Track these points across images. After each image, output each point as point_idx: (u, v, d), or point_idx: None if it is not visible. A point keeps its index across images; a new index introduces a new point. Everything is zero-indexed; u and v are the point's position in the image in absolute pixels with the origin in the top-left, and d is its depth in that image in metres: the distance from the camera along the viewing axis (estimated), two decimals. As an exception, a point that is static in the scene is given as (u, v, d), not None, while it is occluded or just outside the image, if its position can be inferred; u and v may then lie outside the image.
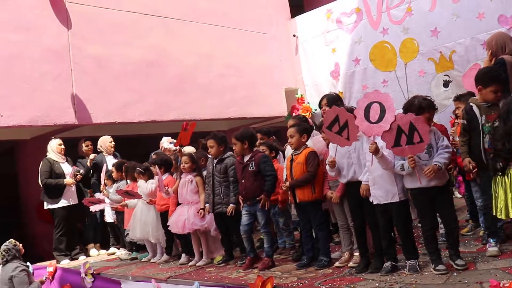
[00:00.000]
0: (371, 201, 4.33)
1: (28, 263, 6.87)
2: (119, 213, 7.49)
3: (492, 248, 4.15)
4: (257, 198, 5.26)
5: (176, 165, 6.70)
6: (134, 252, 7.27)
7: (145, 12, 8.92)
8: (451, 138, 5.11)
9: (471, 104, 4.43)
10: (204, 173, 6.23)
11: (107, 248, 8.16)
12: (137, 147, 9.46)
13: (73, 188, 7.82)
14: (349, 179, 4.56)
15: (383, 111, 4.01)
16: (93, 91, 8.10)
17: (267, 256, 5.23)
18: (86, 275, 6.49)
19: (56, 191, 7.70)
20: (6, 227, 8.63)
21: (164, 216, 6.44)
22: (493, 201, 3.83)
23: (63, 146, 7.92)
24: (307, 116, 10.02)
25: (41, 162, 7.76)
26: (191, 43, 9.43)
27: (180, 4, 9.47)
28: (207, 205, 5.87)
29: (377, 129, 4.03)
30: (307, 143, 5.03)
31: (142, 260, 6.93)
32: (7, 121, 7.27)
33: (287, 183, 5.01)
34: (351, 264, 4.66)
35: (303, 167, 4.87)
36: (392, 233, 4.40)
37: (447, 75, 8.47)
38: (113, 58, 8.44)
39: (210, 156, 6.04)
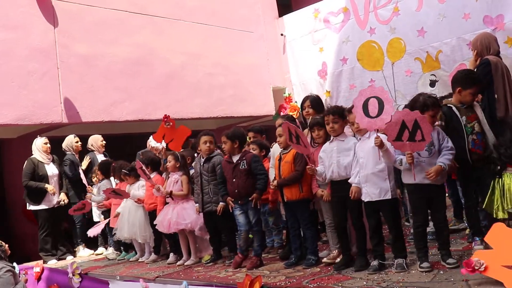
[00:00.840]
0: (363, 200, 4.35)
1: (14, 264, 6.82)
2: (106, 212, 7.47)
3: (478, 247, 4.20)
4: (249, 198, 5.27)
5: (164, 164, 6.69)
6: (123, 252, 7.24)
7: (132, 10, 8.89)
8: None
9: (449, 105, 4.48)
10: (192, 171, 6.24)
11: (95, 248, 8.12)
12: (125, 146, 9.42)
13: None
14: (328, 178, 4.63)
15: (381, 104, 4.04)
16: (80, 90, 8.06)
17: (255, 255, 5.25)
18: (73, 275, 6.45)
19: (38, 194, 7.61)
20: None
21: (152, 215, 6.44)
22: (489, 199, 4.02)
23: (48, 145, 7.82)
24: (294, 115, 10.10)
25: (25, 163, 7.66)
26: (178, 41, 9.42)
27: (168, 2, 9.46)
28: (196, 205, 5.86)
29: (379, 122, 4.05)
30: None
31: (130, 260, 6.91)
32: (-7, 119, 7.21)
33: (275, 182, 5.03)
34: (337, 261, 4.69)
35: (291, 166, 4.90)
36: (381, 232, 4.43)
37: (434, 75, 8.53)
38: (100, 57, 8.41)
39: (196, 156, 6.05)
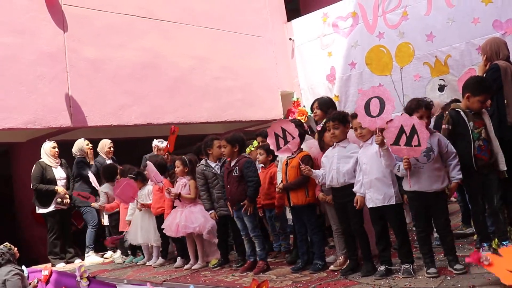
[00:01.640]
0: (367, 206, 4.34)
1: (23, 267, 6.85)
2: (112, 215, 7.48)
3: (486, 253, 4.15)
4: (241, 204, 5.26)
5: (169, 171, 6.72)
6: (130, 256, 7.25)
7: (140, 15, 8.93)
8: None
9: (458, 109, 4.45)
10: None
11: (103, 251, 8.13)
12: (133, 150, 9.45)
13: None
14: (328, 184, 4.63)
15: (382, 103, 4.06)
16: (89, 94, 8.10)
17: (261, 260, 5.24)
18: (81, 278, 6.47)
19: (47, 197, 7.65)
20: (0, 229, 8.59)
21: (159, 219, 6.45)
22: None
23: (57, 149, 7.85)
24: (302, 120, 10.09)
25: (33, 166, 7.71)
26: (187, 45, 9.45)
27: (176, 6, 9.49)
28: (212, 211, 5.83)
29: (379, 121, 4.07)
30: (302, 147, 5.05)
31: (138, 264, 6.92)
32: (2, 123, 7.26)
33: (281, 185, 5.02)
34: (344, 267, 4.67)
35: (297, 170, 4.88)
36: (388, 237, 4.41)
37: (442, 80, 8.50)
38: (109, 61, 8.45)
39: (201, 162, 6.03)
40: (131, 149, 9.55)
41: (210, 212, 5.83)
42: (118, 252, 7.60)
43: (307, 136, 5.56)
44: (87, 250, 7.83)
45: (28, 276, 6.96)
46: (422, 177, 4.04)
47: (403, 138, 3.91)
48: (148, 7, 9.07)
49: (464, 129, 4.35)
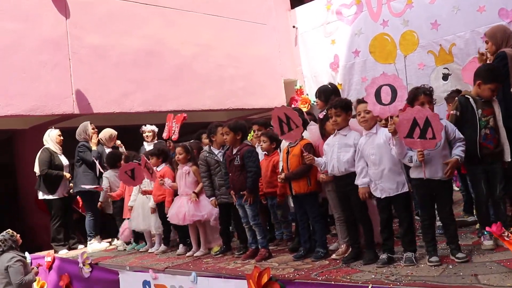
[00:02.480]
0: (377, 196, 4.32)
1: (26, 253, 6.89)
2: (115, 203, 7.49)
3: (487, 242, 4.14)
4: (241, 193, 5.26)
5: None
6: (133, 243, 7.28)
7: (144, 2, 8.90)
8: None
9: (467, 96, 4.39)
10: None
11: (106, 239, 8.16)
12: (136, 137, 9.45)
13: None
14: (329, 172, 4.61)
15: (394, 91, 4.00)
16: (92, 81, 8.10)
17: (263, 248, 5.25)
18: (84, 265, 6.52)
19: (54, 183, 7.67)
20: (4, 217, 8.64)
21: (160, 207, 6.46)
22: None
23: (62, 137, 7.88)
24: (306, 108, 10.09)
25: (40, 151, 7.70)
26: (189, 33, 9.41)
27: (179, -7, 9.44)
28: (213, 198, 5.84)
29: (392, 109, 4.02)
30: (303, 134, 5.03)
31: (140, 250, 6.95)
32: (5, 110, 7.27)
33: (283, 175, 5.01)
34: (346, 255, 4.68)
35: (298, 159, 4.86)
36: (392, 226, 4.40)
37: (447, 68, 8.46)
38: (112, 48, 8.43)
39: (205, 149, 6.02)
40: (134, 136, 9.53)
41: (211, 199, 5.84)
42: (121, 239, 7.62)
43: (311, 122, 5.54)
44: (89, 238, 7.86)
45: (31, 262, 7.02)
46: (429, 164, 4.01)
47: (417, 131, 3.86)
48: (151, -6, 9.03)
49: (471, 116, 4.29)
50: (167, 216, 6.21)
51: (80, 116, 8.23)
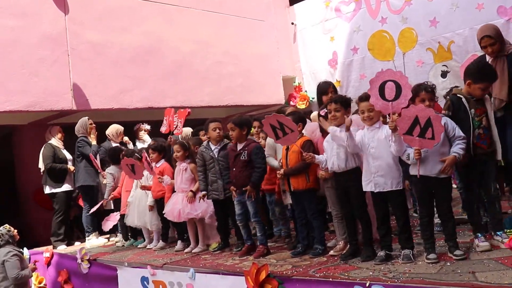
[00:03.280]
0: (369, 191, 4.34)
1: (24, 249, 6.91)
2: (116, 200, 7.50)
3: (483, 243, 4.09)
4: (244, 189, 5.24)
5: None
6: (131, 239, 7.29)
7: (142, -2, 8.89)
8: None
9: (459, 95, 4.32)
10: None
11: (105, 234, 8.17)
12: (134, 134, 9.45)
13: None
14: (330, 169, 4.62)
15: (399, 88, 3.99)
16: (90, 77, 8.09)
17: (261, 244, 5.26)
18: (82, 260, 6.53)
19: (60, 175, 7.79)
20: (2, 213, 8.63)
21: (160, 203, 6.46)
22: None
23: (63, 133, 8.04)
24: (305, 105, 10.11)
25: (44, 147, 7.83)
26: (188, 30, 9.40)
27: (178, -10, 9.43)
28: (203, 192, 5.86)
29: (395, 106, 4.01)
30: (302, 131, 5.05)
31: (138, 247, 6.96)
32: (4, 106, 7.27)
33: (282, 171, 5.01)
34: (343, 252, 4.69)
35: (298, 155, 4.87)
36: (389, 222, 4.42)
37: (445, 66, 8.47)
38: (111, 44, 8.42)
39: (203, 144, 6.03)
40: (132, 133, 9.54)
41: (202, 192, 5.84)
42: (119, 235, 7.64)
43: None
44: (87, 234, 7.88)
45: (29, 258, 7.03)
46: (426, 161, 4.01)
47: (417, 129, 3.86)
48: (150, -10, 9.01)
49: (464, 116, 4.23)
50: (163, 213, 6.23)
51: (78, 112, 8.23)
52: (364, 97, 4.28)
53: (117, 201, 7.43)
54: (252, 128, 6.40)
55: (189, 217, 5.96)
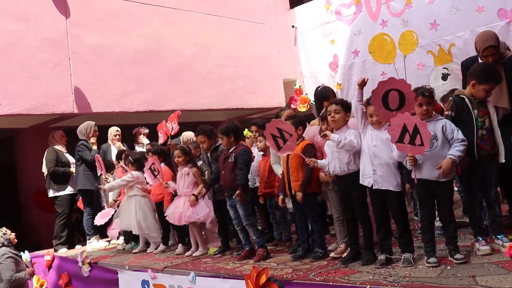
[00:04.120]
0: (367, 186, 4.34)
1: (26, 252, 6.91)
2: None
3: (483, 247, 4.08)
4: (234, 196, 5.28)
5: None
6: (132, 243, 7.29)
7: (143, 1, 8.90)
8: None
9: (462, 96, 4.29)
10: (199, 163, 6.31)
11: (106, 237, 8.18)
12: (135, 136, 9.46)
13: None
14: (331, 172, 4.62)
15: (402, 97, 3.99)
16: (91, 80, 8.11)
17: (260, 247, 5.26)
18: (83, 264, 6.53)
19: (63, 179, 7.83)
20: (3, 216, 8.65)
21: (159, 207, 6.47)
22: None
23: (66, 138, 8.09)
24: (305, 107, 10.11)
25: (47, 151, 7.87)
26: (189, 32, 9.42)
27: (179, -7, 9.44)
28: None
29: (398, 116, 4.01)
30: (303, 135, 5.05)
31: (133, 252, 6.91)
32: (5, 109, 7.28)
33: (299, 196, 4.82)
34: (344, 255, 4.69)
35: (299, 159, 4.86)
36: (389, 226, 4.42)
37: (446, 68, 8.46)
38: (111, 47, 8.44)
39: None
40: (133, 135, 9.55)
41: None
42: (121, 238, 7.64)
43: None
44: (88, 237, 7.88)
45: (31, 260, 7.04)
46: (426, 164, 4.01)
47: (407, 137, 3.88)
48: (151, -7, 9.03)
49: (467, 117, 4.20)
50: (165, 215, 6.23)
51: (80, 116, 8.25)
52: (370, 101, 4.28)
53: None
54: (250, 132, 6.44)
55: (190, 220, 5.96)
